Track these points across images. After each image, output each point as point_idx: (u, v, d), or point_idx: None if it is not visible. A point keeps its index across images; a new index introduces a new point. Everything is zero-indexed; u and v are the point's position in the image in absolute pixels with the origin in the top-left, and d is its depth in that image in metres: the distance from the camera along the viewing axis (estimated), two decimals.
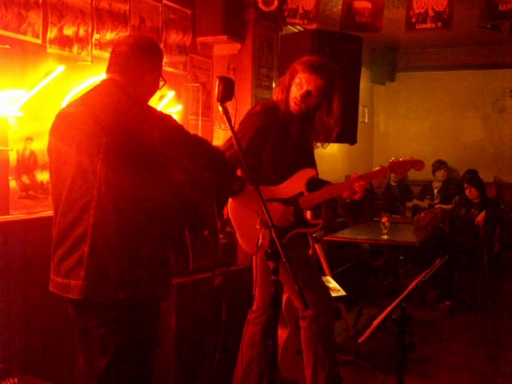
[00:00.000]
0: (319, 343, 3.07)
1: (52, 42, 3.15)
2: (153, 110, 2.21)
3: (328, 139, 3.12)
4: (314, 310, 3.01)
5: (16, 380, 2.47)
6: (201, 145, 2.25)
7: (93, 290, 2.06)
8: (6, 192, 2.95)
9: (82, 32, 3.34)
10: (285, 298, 3.49)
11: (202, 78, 4.51)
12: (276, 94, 3.08)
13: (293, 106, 2.98)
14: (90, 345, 2.16)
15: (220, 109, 2.32)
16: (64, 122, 2.21)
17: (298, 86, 2.95)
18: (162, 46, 3.88)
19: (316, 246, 4.57)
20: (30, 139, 3.05)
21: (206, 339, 3.55)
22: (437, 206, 6.85)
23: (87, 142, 2.07)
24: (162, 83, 2.34)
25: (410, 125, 8.94)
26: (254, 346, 3.26)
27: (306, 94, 2.94)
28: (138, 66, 2.24)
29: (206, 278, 3.57)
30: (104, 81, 2.26)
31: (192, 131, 2.28)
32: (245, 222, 2.95)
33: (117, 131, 2.06)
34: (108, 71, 2.27)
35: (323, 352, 3.08)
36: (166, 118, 2.20)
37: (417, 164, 3.13)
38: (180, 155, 2.15)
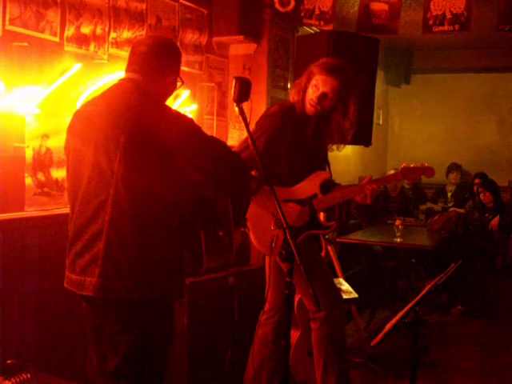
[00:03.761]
0: (329, 345, 3.07)
1: (69, 40, 3.17)
2: (171, 110, 2.21)
3: (343, 141, 3.12)
4: (324, 312, 3.01)
5: (29, 376, 2.47)
6: (217, 146, 2.26)
7: (107, 287, 2.06)
8: (21, 189, 2.97)
9: (99, 30, 3.35)
10: (297, 299, 3.48)
11: (217, 77, 4.52)
12: (292, 96, 3.08)
13: (309, 108, 2.98)
14: (103, 342, 2.17)
15: (236, 109, 2.31)
16: (82, 121, 2.22)
17: (314, 87, 2.95)
18: (178, 45, 3.90)
19: (329, 247, 4.55)
20: (46, 136, 3.07)
21: (217, 339, 3.56)
22: (451, 210, 6.81)
23: (105, 141, 2.08)
24: (179, 84, 2.35)
25: (424, 127, 8.89)
26: (265, 346, 3.26)
27: (322, 96, 2.94)
28: (157, 66, 2.24)
29: (218, 278, 3.58)
30: (122, 80, 2.27)
31: (207, 131, 2.28)
32: (259, 222, 2.95)
33: (135, 130, 2.07)
34: (127, 70, 2.28)
35: (333, 354, 3.07)
36: (183, 119, 2.20)
37: (427, 171, 3.13)
38: (197, 155, 2.15)
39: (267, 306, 3.27)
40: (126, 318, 2.11)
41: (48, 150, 3.09)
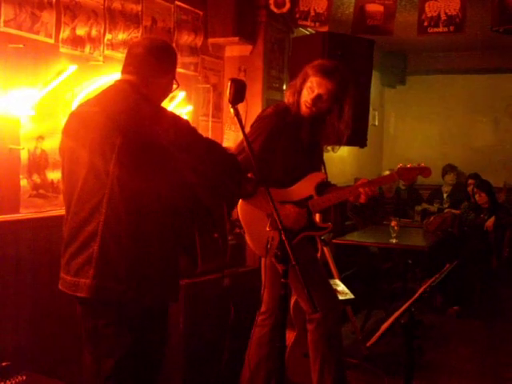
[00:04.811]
0: (326, 346, 3.07)
1: (65, 41, 3.16)
2: (167, 111, 2.22)
3: (338, 143, 3.13)
4: (320, 313, 3.01)
5: (24, 377, 2.47)
6: (213, 147, 2.26)
7: (101, 288, 2.06)
8: (16, 191, 2.97)
9: (94, 32, 3.35)
10: (293, 300, 3.48)
11: (212, 79, 4.52)
12: (287, 97, 3.08)
13: (304, 110, 2.98)
14: (98, 344, 2.17)
15: (231, 111, 2.32)
16: (78, 122, 2.22)
17: (309, 89, 2.95)
18: (173, 46, 3.90)
19: (325, 248, 4.55)
20: (41, 138, 3.07)
21: (213, 340, 3.55)
22: (446, 211, 6.82)
23: (101, 142, 2.08)
24: (175, 86, 2.35)
25: (420, 128, 8.90)
26: (261, 347, 3.26)
27: (317, 98, 2.94)
28: (152, 68, 2.25)
29: (214, 280, 3.57)
30: (118, 81, 2.27)
31: (202, 132, 2.28)
32: (254, 224, 2.95)
33: (131, 132, 2.07)
34: (123, 72, 2.28)
35: (330, 355, 3.07)
36: (179, 120, 2.21)
37: (424, 171, 3.13)
38: (193, 157, 2.16)
39: (263, 308, 3.27)
40: (121, 320, 2.11)
41: (43, 151, 3.08)
